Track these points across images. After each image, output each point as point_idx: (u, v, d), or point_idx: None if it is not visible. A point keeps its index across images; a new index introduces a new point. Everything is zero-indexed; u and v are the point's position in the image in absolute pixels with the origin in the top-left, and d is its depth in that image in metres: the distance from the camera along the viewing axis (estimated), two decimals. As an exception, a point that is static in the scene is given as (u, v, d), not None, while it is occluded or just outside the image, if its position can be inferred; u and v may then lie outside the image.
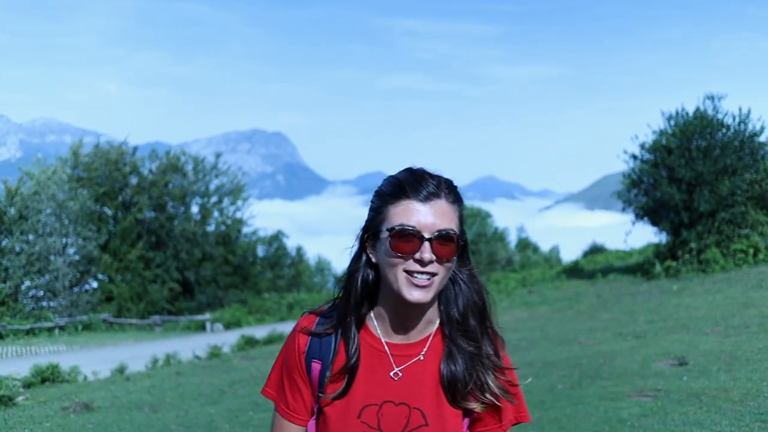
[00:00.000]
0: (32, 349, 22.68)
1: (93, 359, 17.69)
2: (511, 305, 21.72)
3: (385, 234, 1.67)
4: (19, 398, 11.35)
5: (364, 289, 1.76)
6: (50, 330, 28.08)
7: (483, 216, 53.67)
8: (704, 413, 6.88)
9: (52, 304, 35.26)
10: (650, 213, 23.21)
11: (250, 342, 19.78)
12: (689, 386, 8.06)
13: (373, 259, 1.73)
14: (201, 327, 30.46)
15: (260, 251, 52.07)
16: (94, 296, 37.92)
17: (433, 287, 1.65)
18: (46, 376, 13.56)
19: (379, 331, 1.76)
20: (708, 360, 9.42)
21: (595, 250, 43.33)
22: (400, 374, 1.71)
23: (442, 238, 1.64)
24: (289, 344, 1.84)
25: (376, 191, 1.76)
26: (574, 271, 29.47)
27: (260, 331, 22.77)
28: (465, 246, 1.74)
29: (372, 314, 1.78)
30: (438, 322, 1.77)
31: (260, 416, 8.79)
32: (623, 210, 24.38)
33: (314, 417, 1.79)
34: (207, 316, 31.68)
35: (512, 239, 61.10)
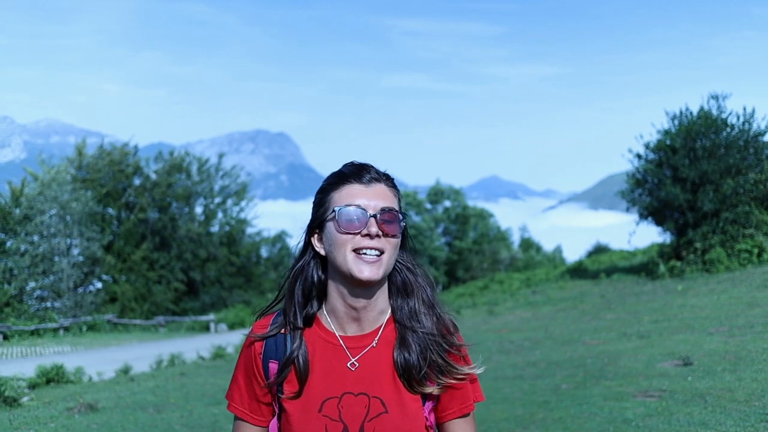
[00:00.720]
0: (37, 349, 22.73)
1: (97, 360, 17.72)
2: (515, 305, 21.72)
3: (330, 216, 1.75)
4: (24, 399, 11.37)
5: (311, 284, 1.82)
6: (55, 331, 28.13)
7: (485, 216, 53.60)
8: (709, 413, 6.87)
9: (56, 304, 35.31)
10: (654, 213, 23.18)
11: (254, 342, 19.81)
12: (694, 386, 8.05)
13: (322, 252, 1.79)
14: (205, 327, 30.50)
15: (264, 252, 52.09)
16: (98, 297, 37.98)
17: (382, 264, 1.71)
18: (51, 377, 13.58)
19: (332, 326, 1.80)
20: (713, 360, 9.40)
21: (599, 250, 43.30)
22: (357, 364, 1.74)
23: (385, 215, 1.72)
24: (245, 350, 1.87)
25: (319, 188, 1.84)
26: (578, 271, 29.45)
27: (264, 332, 22.78)
28: (406, 233, 1.82)
29: (324, 309, 1.82)
30: (389, 311, 1.81)
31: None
32: (627, 210, 24.35)
33: (276, 417, 1.82)
34: (211, 316, 31.73)
35: (515, 239, 61.05)
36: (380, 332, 1.78)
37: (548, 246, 66.67)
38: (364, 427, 1.69)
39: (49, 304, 35.27)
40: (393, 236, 1.72)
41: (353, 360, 1.75)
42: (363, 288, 1.73)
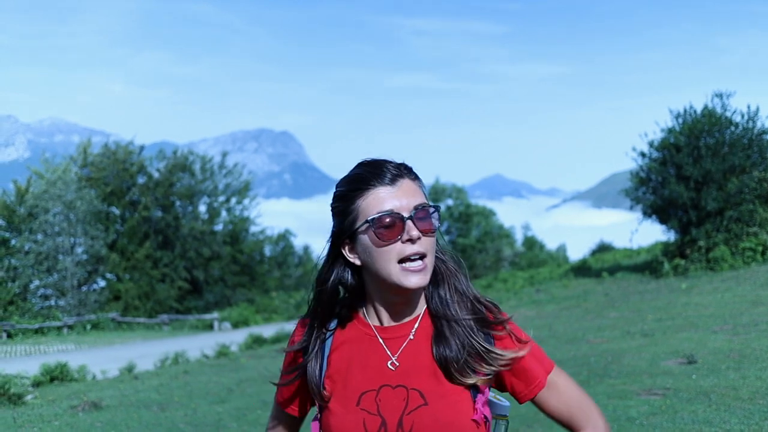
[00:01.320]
0: (41, 348, 22.79)
1: (101, 358, 17.76)
2: (518, 303, 21.70)
3: (363, 228, 1.66)
4: (28, 397, 11.40)
5: (345, 292, 1.78)
6: (59, 329, 28.20)
7: (488, 214, 53.61)
8: (713, 411, 6.86)
9: (60, 303, 35.43)
10: (658, 211, 23.14)
11: (257, 341, 19.84)
12: (698, 384, 8.04)
13: (356, 262, 1.72)
14: (209, 326, 30.54)
15: (267, 250, 52.14)
16: (102, 295, 38.09)
17: (427, 269, 1.66)
18: (55, 375, 13.62)
19: (369, 318, 1.77)
20: (717, 358, 9.39)
21: (602, 248, 43.26)
22: (398, 364, 1.70)
23: (420, 213, 1.66)
24: (290, 344, 1.86)
25: (336, 194, 1.75)
26: (581, 269, 29.42)
27: (268, 330, 22.83)
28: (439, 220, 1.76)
29: (364, 304, 1.78)
30: (425, 302, 1.77)
31: (268, 415, 8.79)
32: (631, 208, 24.32)
33: (317, 419, 1.80)
34: (215, 315, 31.77)
35: (519, 238, 61.05)
36: (417, 323, 1.74)
37: (552, 244, 66.67)
38: (402, 420, 1.65)
39: (53, 303, 35.39)
40: (432, 233, 1.67)
41: (393, 359, 1.71)
42: (410, 294, 1.70)
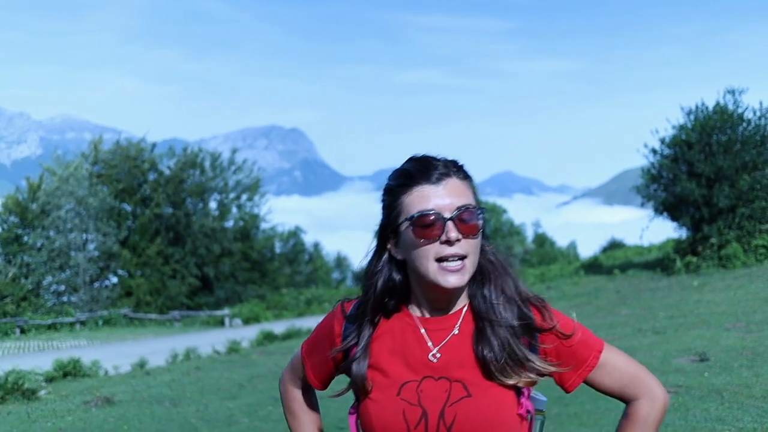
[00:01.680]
0: (54, 343, 22.92)
1: (113, 354, 17.84)
2: (529, 301, 21.63)
3: (405, 225, 1.66)
4: (42, 392, 11.48)
5: (387, 288, 1.75)
6: (71, 325, 28.36)
7: (498, 211, 53.54)
8: (726, 409, 6.84)
9: (72, 299, 35.62)
10: (670, 208, 23.05)
11: (268, 337, 19.89)
12: (710, 382, 8.01)
13: (399, 257, 1.72)
14: (220, 322, 30.64)
15: (278, 247, 52.23)
16: (114, 291, 38.27)
17: (466, 269, 1.64)
18: (68, 371, 13.70)
19: (412, 310, 1.76)
20: (729, 356, 9.36)
21: (613, 245, 43.16)
22: (439, 355, 1.69)
23: (462, 214, 1.63)
24: (326, 322, 1.85)
25: (385, 188, 1.74)
26: (592, 266, 29.35)
27: (278, 327, 22.88)
28: (485, 224, 1.73)
29: (408, 296, 1.77)
30: (468, 297, 1.75)
31: (279, 410, 8.80)
32: (642, 205, 24.24)
33: (353, 412, 1.80)
34: (226, 311, 31.86)
35: (529, 235, 60.97)
36: (462, 317, 1.72)
37: (562, 242, 66.55)
38: (444, 411, 1.63)
39: (65, 299, 35.58)
40: (474, 235, 1.64)
41: (435, 351, 1.69)
42: (447, 292, 1.69)
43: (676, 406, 7.14)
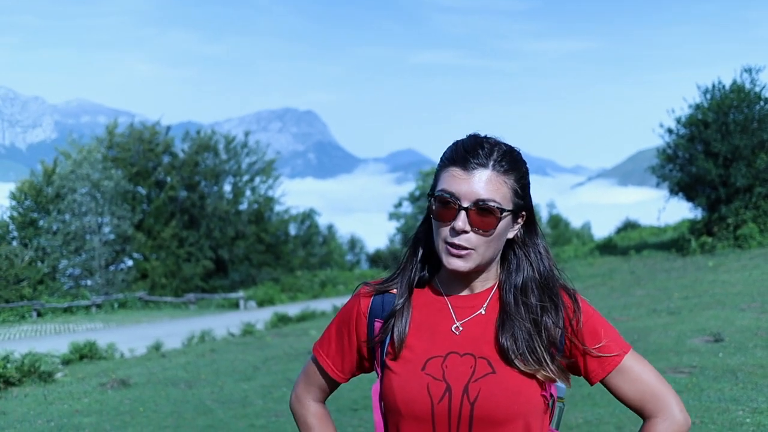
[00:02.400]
0: (70, 326, 23.11)
1: (129, 336, 17.97)
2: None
3: (432, 198, 1.68)
4: (58, 374, 11.58)
5: (428, 250, 1.76)
6: (87, 308, 28.58)
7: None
8: (740, 390, 6.81)
9: (88, 282, 35.87)
10: (685, 188, 22.91)
11: (283, 319, 19.97)
12: (725, 363, 7.98)
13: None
14: (234, 305, 30.79)
15: (292, 229, 52.31)
16: (129, 274, 38.50)
17: (471, 258, 1.63)
18: (84, 353, 13.81)
19: (441, 286, 1.75)
20: (744, 336, 9.32)
21: (628, 226, 42.96)
22: (461, 328, 1.68)
23: (479, 208, 1.60)
24: (347, 306, 1.84)
25: (441, 157, 1.74)
26: (607, 247, 29.25)
27: (293, 309, 22.97)
28: (530, 217, 1.73)
29: (437, 272, 1.77)
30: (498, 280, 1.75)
31: (292, 392, 8.86)
32: (657, 185, 24.10)
33: (379, 380, 1.77)
34: (240, 293, 32.01)
35: (543, 216, 60.77)
36: (489, 299, 1.72)
37: (577, 222, 66.35)
38: (468, 387, 1.62)
39: (81, 282, 35.83)
40: (486, 232, 1.62)
41: (458, 324, 1.69)
42: (454, 273, 1.69)
43: (690, 386, 7.12)
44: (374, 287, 1.80)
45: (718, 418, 6.00)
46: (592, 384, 1.75)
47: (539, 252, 1.73)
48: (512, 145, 1.70)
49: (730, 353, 8.44)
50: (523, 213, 1.71)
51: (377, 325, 1.76)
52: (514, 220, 1.70)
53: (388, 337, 1.73)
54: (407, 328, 1.71)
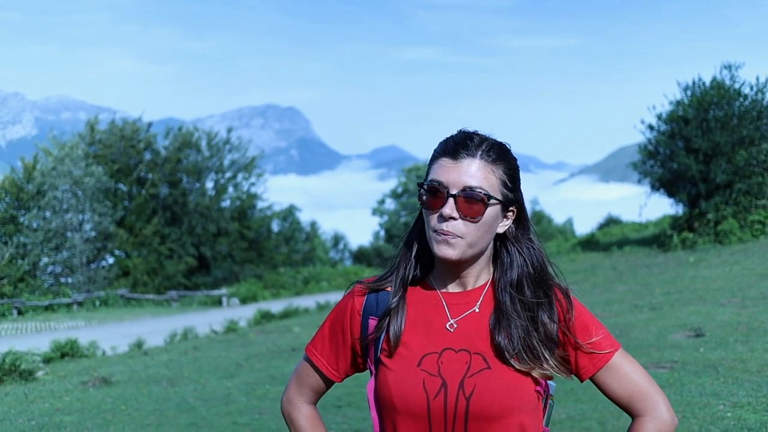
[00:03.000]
0: (51, 324, 22.93)
1: (111, 334, 17.86)
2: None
3: (421, 190, 1.70)
4: (39, 373, 11.49)
5: (422, 246, 1.77)
6: (68, 306, 28.38)
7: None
8: (721, 384, 6.87)
9: (69, 280, 35.63)
10: (666, 184, 23.07)
11: (266, 316, 19.92)
12: (706, 357, 8.05)
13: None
14: (217, 302, 30.68)
15: (275, 226, 52.19)
16: (110, 272, 38.28)
17: (458, 246, 1.64)
18: (66, 351, 13.71)
19: (434, 284, 1.76)
20: (725, 331, 9.39)
21: (610, 222, 43.19)
22: (456, 326, 1.69)
23: (466, 195, 1.62)
24: (341, 305, 1.84)
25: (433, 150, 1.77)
26: (589, 243, 29.38)
27: (276, 306, 22.92)
28: (522, 212, 1.75)
29: (432, 269, 1.78)
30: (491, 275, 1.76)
31: (277, 389, 8.86)
32: (639, 182, 24.25)
33: (373, 377, 1.78)
34: (223, 290, 31.89)
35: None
36: (482, 295, 1.73)
37: (559, 219, 66.64)
38: (464, 382, 1.63)
39: (62, 280, 35.58)
40: (473, 219, 1.63)
41: (452, 321, 1.70)
42: (447, 263, 1.70)
43: (671, 381, 7.17)
44: (368, 285, 1.81)
45: (700, 412, 6.05)
46: (582, 380, 1.76)
47: (532, 248, 1.75)
48: (502, 141, 1.73)
49: (711, 348, 8.51)
50: (513, 208, 1.73)
51: (371, 322, 1.76)
52: (504, 214, 1.71)
53: (383, 335, 1.73)
54: (403, 326, 1.72)
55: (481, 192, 1.63)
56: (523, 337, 1.66)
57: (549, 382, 1.76)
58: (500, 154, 1.69)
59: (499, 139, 1.73)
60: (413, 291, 1.77)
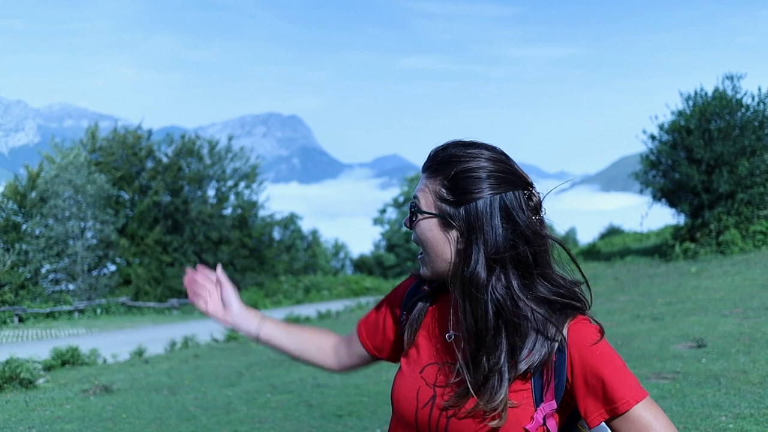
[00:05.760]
0: (52, 332, 22.91)
1: (112, 342, 17.85)
2: (527, 287, 21.64)
3: None
4: (40, 381, 11.48)
5: None
6: (70, 313, 28.36)
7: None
8: (723, 395, 6.85)
9: (71, 287, 35.60)
10: (668, 194, 23.06)
11: (267, 325, 19.90)
12: (708, 368, 8.02)
13: None
14: (219, 310, 30.63)
15: (276, 234, 52.18)
16: (112, 280, 38.25)
17: (423, 263, 1.62)
18: (66, 359, 13.69)
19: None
20: (727, 342, 9.37)
21: (612, 232, 43.18)
22: (452, 338, 1.64)
23: (409, 207, 1.62)
24: (397, 287, 1.86)
25: None
26: (591, 253, 29.37)
27: (277, 314, 22.89)
28: (470, 230, 1.52)
29: None
30: None
31: (278, 398, 8.84)
32: (641, 192, 24.25)
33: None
34: (224, 299, 31.83)
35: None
36: None
37: (561, 228, 66.55)
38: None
39: (63, 287, 35.56)
40: (416, 234, 1.58)
41: (451, 333, 1.63)
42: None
43: (673, 392, 7.15)
44: (419, 275, 1.76)
45: (701, 423, 6.03)
46: (591, 427, 1.54)
47: (471, 290, 1.54)
48: (467, 147, 1.59)
49: (713, 359, 8.49)
50: (457, 225, 1.54)
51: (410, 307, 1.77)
52: (448, 228, 1.56)
53: (416, 330, 1.72)
54: (417, 326, 1.71)
55: (414, 202, 1.60)
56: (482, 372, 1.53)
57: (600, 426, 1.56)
58: (441, 164, 1.57)
59: (495, 145, 1.61)
60: (446, 296, 1.71)
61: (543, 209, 1.60)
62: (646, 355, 9.15)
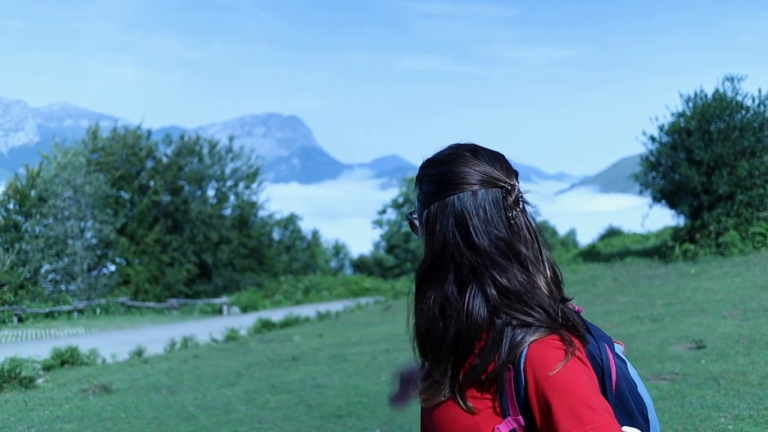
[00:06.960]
0: (51, 332, 22.91)
1: (111, 342, 17.85)
2: (527, 288, 21.61)
3: None
4: (39, 380, 11.48)
5: None
6: (69, 313, 28.36)
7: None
8: (722, 396, 6.84)
9: (70, 287, 35.58)
10: (668, 196, 23.06)
11: (266, 325, 19.90)
12: (707, 369, 8.02)
13: None
14: (218, 310, 30.65)
15: (276, 234, 52.17)
16: (111, 279, 38.23)
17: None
18: (66, 359, 13.70)
19: None
20: (726, 343, 9.37)
21: (611, 233, 43.19)
22: None
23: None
24: None
25: None
26: (590, 254, 29.37)
27: (276, 314, 22.91)
28: (429, 222, 1.52)
29: None
30: None
31: (277, 398, 8.84)
32: (640, 193, 24.25)
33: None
34: (224, 299, 31.87)
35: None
36: None
37: (561, 229, 66.64)
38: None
39: (63, 287, 35.55)
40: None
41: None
42: None
43: (672, 393, 7.15)
44: None
45: (701, 425, 6.03)
46: None
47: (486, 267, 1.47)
48: (450, 150, 1.56)
49: (713, 360, 8.49)
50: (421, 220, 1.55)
51: None
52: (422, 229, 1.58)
53: None
54: None
55: (408, 214, 1.62)
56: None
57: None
58: (422, 170, 1.56)
59: (490, 147, 1.58)
60: None
61: (518, 207, 1.52)
62: (646, 357, 9.15)
